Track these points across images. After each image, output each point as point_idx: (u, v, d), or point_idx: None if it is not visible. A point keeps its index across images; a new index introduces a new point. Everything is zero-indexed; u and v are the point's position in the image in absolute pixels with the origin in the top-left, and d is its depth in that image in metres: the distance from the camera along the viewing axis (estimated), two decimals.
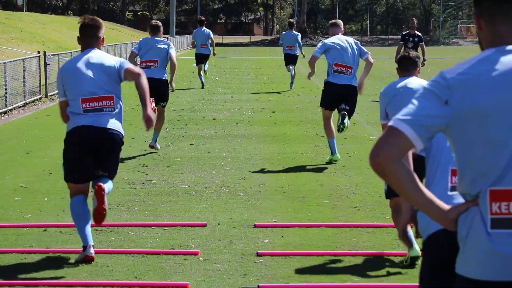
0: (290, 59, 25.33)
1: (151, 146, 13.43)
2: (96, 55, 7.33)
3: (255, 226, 8.49)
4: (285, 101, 22.40)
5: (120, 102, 7.34)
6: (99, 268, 6.98)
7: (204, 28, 25.25)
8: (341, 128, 12.05)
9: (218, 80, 29.83)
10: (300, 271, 6.93)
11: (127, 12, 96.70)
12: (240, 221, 8.75)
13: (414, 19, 23.14)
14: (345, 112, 12.13)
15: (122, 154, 13.16)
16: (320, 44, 12.45)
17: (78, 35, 7.39)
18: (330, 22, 12.80)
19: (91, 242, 7.15)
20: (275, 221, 8.74)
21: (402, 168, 3.03)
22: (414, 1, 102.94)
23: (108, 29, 59.96)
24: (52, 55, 24.57)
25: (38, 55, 23.00)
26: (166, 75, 13.26)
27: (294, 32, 25.39)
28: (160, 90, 12.99)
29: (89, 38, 7.38)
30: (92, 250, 7.15)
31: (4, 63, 19.55)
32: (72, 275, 6.79)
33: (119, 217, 8.89)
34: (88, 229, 7.20)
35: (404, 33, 22.65)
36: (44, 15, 60.34)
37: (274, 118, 18.34)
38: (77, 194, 7.25)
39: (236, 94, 24.46)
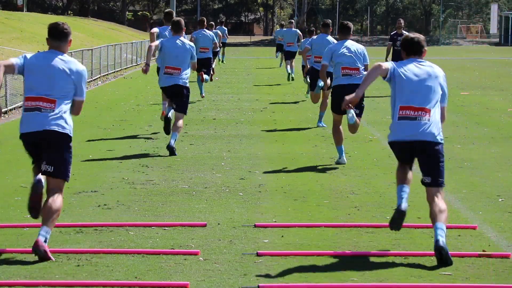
0: (280, 47, 35.17)
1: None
2: None
3: (255, 226, 8.48)
4: (285, 101, 22.41)
5: None
6: (99, 268, 6.98)
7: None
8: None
9: (218, 80, 29.83)
10: (300, 271, 6.93)
11: (127, 12, 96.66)
12: (240, 221, 8.75)
13: (400, 19, 24.59)
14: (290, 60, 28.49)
15: (122, 154, 13.24)
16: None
17: None
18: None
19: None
20: (275, 221, 8.74)
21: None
22: (414, 1, 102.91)
23: (108, 29, 59.97)
24: None
25: None
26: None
27: (285, 28, 34.54)
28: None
29: None
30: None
31: None
32: (72, 275, 6.78)
33: (119, 217, 8.88)
34: None
35: (392, 33, 23.37)
36: (44, 15, 60.36)
37: (274, 118, 18.34)
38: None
39: (236, 94, 24.47)
